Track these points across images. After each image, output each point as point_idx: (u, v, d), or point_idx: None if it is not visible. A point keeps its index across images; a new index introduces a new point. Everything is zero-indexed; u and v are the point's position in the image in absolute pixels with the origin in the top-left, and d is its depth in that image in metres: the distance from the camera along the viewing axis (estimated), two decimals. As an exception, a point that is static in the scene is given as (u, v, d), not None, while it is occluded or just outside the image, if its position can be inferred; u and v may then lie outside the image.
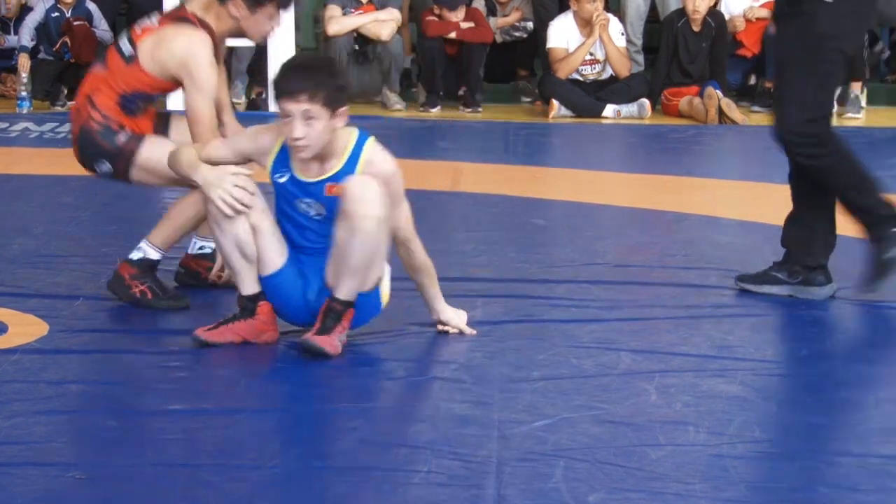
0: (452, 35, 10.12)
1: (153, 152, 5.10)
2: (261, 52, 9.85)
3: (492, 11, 10.68)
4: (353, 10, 10.13)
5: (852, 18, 5.13)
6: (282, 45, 9.79)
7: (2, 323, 4.86)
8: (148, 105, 5.21)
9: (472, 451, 3.75)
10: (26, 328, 4.81)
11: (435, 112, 10.12)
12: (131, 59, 5.09)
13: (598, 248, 6.24)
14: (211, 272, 5.36)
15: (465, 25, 10.09)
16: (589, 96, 9.96)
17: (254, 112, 9.83)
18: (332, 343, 4.43)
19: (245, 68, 10.27)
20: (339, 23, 10.11)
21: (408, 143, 8.91)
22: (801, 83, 5.15)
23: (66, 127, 9.03)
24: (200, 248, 5.48)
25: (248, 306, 4.64)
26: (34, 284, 5.31)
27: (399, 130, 9.37)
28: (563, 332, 4.87)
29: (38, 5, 10.15)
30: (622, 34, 10.16)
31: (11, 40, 10.10)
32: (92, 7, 10.09)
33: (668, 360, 4.60)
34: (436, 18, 10.13)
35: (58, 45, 9.88)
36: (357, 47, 10.25)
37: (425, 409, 4.14)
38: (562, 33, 10.02)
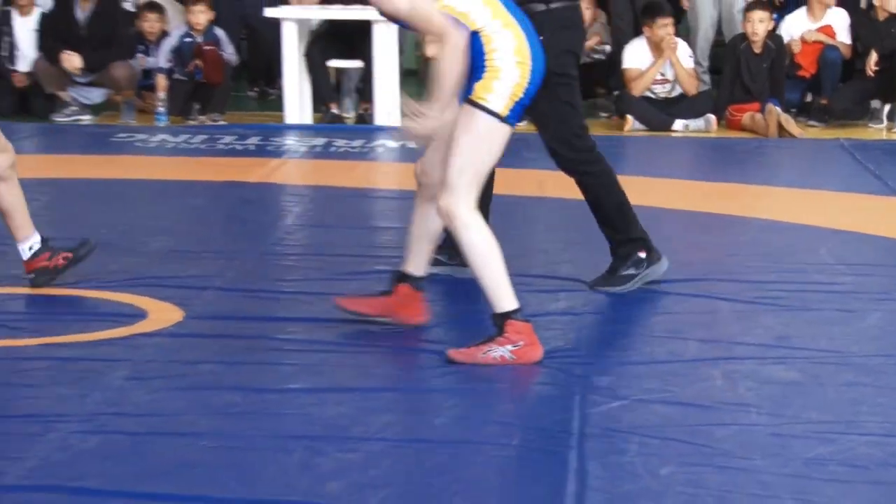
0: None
1: None
2: (367, 72, 9.87)
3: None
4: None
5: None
6: (386, 67, 9.80)
7: (143, 310, 4.91)
8: None
9: (556, 427, 3.75)
10: (164, 314, 4.85)
11: (521, 125, 10.06)
12: None
13: (667, 247, 6.17)
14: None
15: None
16: (660, 112, 9.91)
17: (362, 126, 9.85)
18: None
19: (354, 87, 10.30)
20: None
21: (498, 153, 8.89)
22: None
23: (198, 138, 9.14)
24: (30, 248, 5.19)
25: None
26: (171, 276, 5.35)
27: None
28: (637, 323, 4.86)
29: (175, 32, 10.24)
30: (690, 56, 10.11)
31: (151, 62, 10.19)
32: (220, 33, 10.15)
33: (732, 349, 4.57)
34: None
35: (190, 67, 9.95)
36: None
37: (514, 389, 4.13)
38: (636, 55, 9.98)
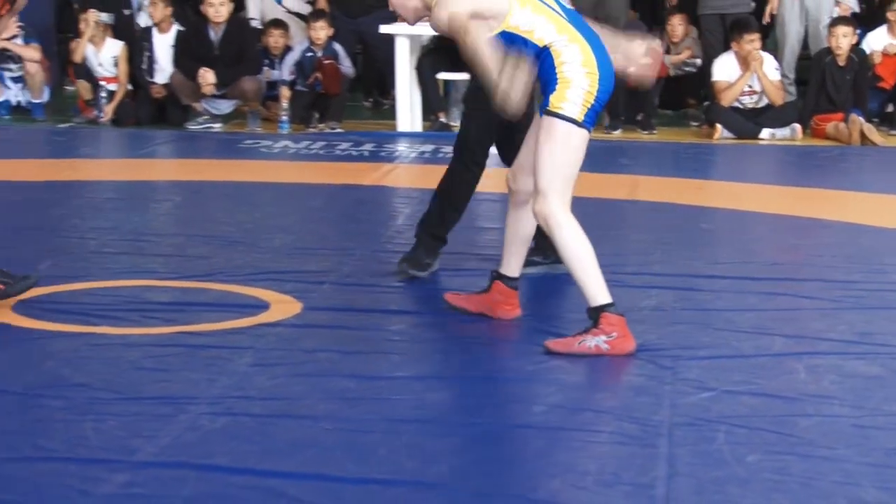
0: (630, 70, 9.99)
1: None
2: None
3: (666, 50, 10.58)
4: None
5: None
6: (492, 79, 9.80)
7: (265, 301, 4.94)
8: None
9: (647, 416, 3.72)
10: (284, 306, 4.87)
11: (616, 134, 10.04)
12: None
13: (754, 248, 6.15)
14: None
15: (642, 62, 9.97)
16: (748, 121, 9.82)
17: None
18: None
19: (460, 97, 10.29)
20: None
21: (594, 159, 8.75)
22: None
23: (317, 145, 9.21)
24: None
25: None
26: (291, 271, 5.38)
27: (589, 150, 9.30)
28: (725, 319, 4.79)
29: (297, 47, 10.33)
30: (777, 69, 10.00)
31: (276, 75, 10.28)
32: (338, 48, 10.21)
33: (816, 344, 4.50)
34: (618, 57, 10.03)
35: (311, 79, 10.03)
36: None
37: (608, 380, 4.10)
38: (725, 68, 9.90)
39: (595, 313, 4.28)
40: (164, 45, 10.18)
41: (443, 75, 10.14)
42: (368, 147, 9.11)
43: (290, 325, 4.64)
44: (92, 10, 10.32)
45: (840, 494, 3.18)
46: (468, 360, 4.34)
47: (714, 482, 3.24)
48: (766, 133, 9.80)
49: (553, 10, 4.26)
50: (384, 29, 9.99)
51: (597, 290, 4.27)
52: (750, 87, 9.86)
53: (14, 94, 10.44)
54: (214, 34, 9.98)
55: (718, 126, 9.84)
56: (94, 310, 4.76)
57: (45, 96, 10.54)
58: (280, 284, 5.18)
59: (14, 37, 9.81)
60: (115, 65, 10.29)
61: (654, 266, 5.63)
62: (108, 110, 10.11)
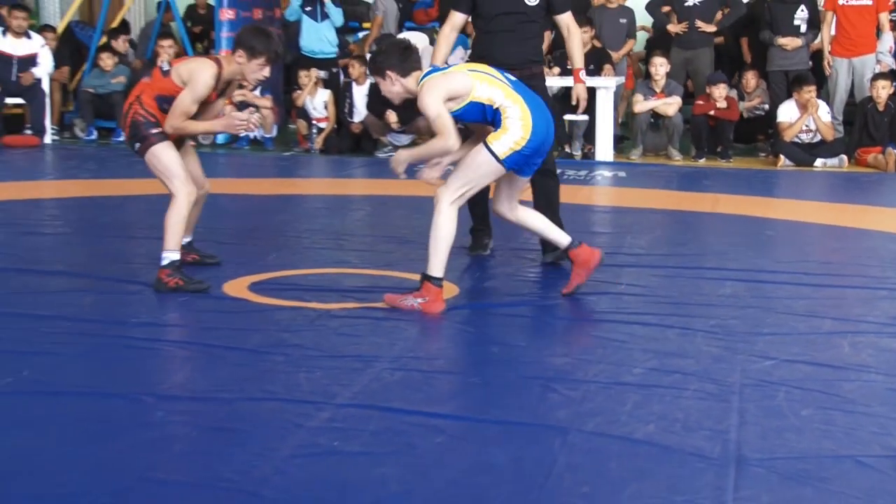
0: (712, 112, 9.89)
1: (163, 151, 4.80)
2: (591, 123, 9.81)
3: (741, 97, 10.38)
4: (651, 96, 9.98)
5: None
6: (604, 119, 9.72)
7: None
8: (170, 107, 4.80)
9: (723, 378, 3.66)
10: (445, 289, 4.86)
11: (701, 162, 9.88)
12: (166, 74, 4.80)
13: (808, 250, 5.99)
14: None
15: (721, 106, 9.86)
16: (805, 153, 9.59)
17: (587, 161, 9.79)
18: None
19: (582, 133, 10.23)
20: (642, 104, 9.98)
21: (683, 181, 8.75)
22: None
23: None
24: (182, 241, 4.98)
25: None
26: (452, 264, 5.40)
27: (678, 174, 9.21)
28: (784, 305, 4.68)
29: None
30: (828, 113, 9.76)
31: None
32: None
33: (857, 325, 4.36)
34: (702, 102, 9.93)
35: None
36: (653, 119, 10.10)
37: (692, 349, 4.03)
38: (787, 112, 9.67)
39: (422, 279, 4.45)
40: (360, 94, 10.31)
41: (568, 116, 10.09)
42: (511, 171, 9.10)
43: (450, 306, 4.64)
44: (313, 68, 10.52)
45: (875, 442, 3.10)
46: (581, 331, 4.30)
47: (775, 430, 3.17)
48: (819, 162, 9.58)
49: (501, 81, 4.45)
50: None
51: (435, 265, 4.44)
52: (807, 126, 9.64)
53: (253, 131, 10.66)
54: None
55: (781, 156, 9.66)
56: (306, 290, 4.85)
57: (274, 132, 10.76)
58: (446, 274, 5.19)
59: (254, 89, 10.04)
60: (325, 108, 10.46)
61: (730, 263, 5.52)
62: (319, 142, 10.28)
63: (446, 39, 5.54)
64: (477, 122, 4.48)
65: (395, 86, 4.50)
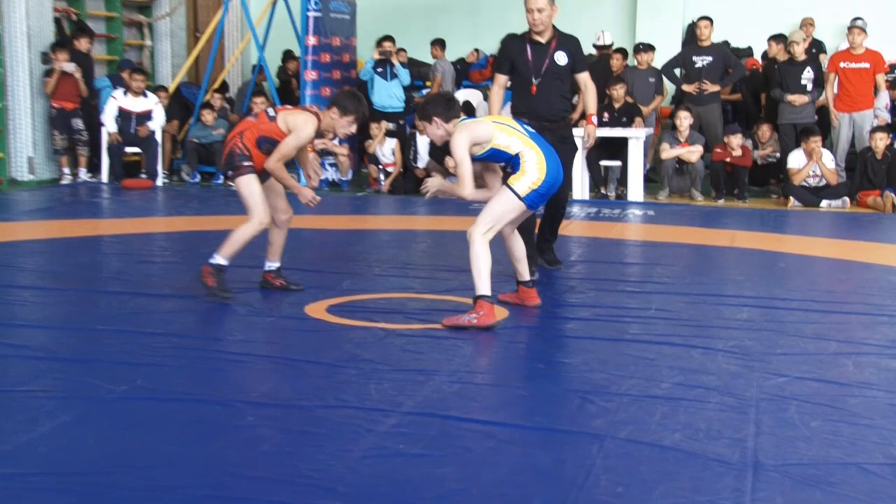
0: (728, 160, 9.80)
1: (250, 182, 4.96)
2: (624, 168, 9.74)
3: (756, 146, 10.27)
4: (676, 145, 9.90)
5: None
6: (635, 164, 9.65)
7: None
8: (270, 148, 4.98)
9: (741, 392, 3.59)
10: (498, 311, 4.85)
11: (720, 202, 9.76)
12: (273, 119, 4.98)
13: (816, 280, 5.87)
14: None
15: (736, 154, 9.76)
16: (812, 195, 9.45)
17: (620, 201, 9.72)
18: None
19: (616, 176, 10.16)
20: (668, 152, 9.90)
21: (704, 219, 8.64)
22: None
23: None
24: (269, 267, 5.28)
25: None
26: (502, 290, 5.37)
27: (700, 213, 9.10)
28: (795, 327, 4.59)
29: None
30: (832, 160, 9.60)
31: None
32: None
33: (861, 347, 4.27)
34: (720, 151, 9.85)
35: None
36: (677, 165, 10.00)
37: (714, 367, 3.96)
38: (796, 159, 9.54)
39: (475, 300, 4.51)
40: (423, 143, 10.35)
41: (604, 162, 10.05)
42: (553, 209, 9.06)
43: (501, 326, 4.62)
44: (383, 120, 10.59)
45: (878, 451, 3.02)
46: (616, 351, 4.24)
47: (787, 439, 3.10)
48: (824, 203, 9.43)
49: (518, 130, 4.63)
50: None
51: (482, 286, 4.50)
52: (814, 172, 9.51)
53: (330, 174, 10.75)
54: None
55: (791, 198, 9.53)
56: (375, 312, 4.85)
57: (349, 175, 10.81)
58: (495, 299, 5.16)
59: (332, 138, 10.12)
60: (393, 154, 10.50)
61: (746, 291, 5.43)
62: (387, 184, 10.32)
63: (496, 96, 5.98)
64: (498, 163, 4.69)
65: (439, 129, 4.68)
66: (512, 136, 4.58)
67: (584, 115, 6.37)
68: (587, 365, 3.99)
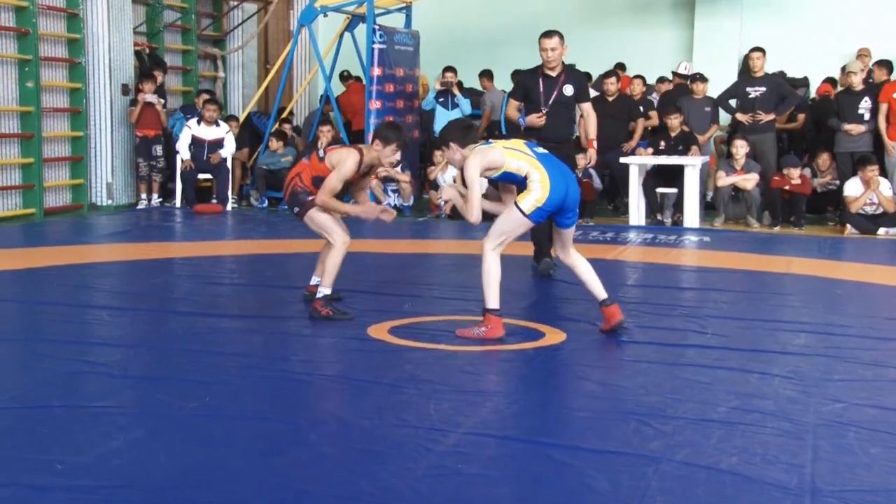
0: (787, 188, 9.63)
1: (317, 213, 5.19)
2: (680, 195, 9.63)
3: (814, 174, 10.09)
4: (732, 173, 9.76)
5: None
6: (691, 192, 9.53)
7: (542, 331, 4.91)
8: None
9: (798, 418, 3.50)
10: (555, 335, 4.84)
11: (776, 229, 9.59)
12: (322, 159, 5.21)
13: (873, 306, 5.72)
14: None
15: (795, 182, 9.60)
16: (869, 222, 9.24)
17: (676, 227, 9.60)
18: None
19: (672, 203, 10.05)
20: (724, 179, 9.77)
21: (760, 246, 8.49)
22: None
23: (577, 232, 9.13)
24: (315, 280, 5.48)
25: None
26: (560, 313, 5.33)
27: (756, 239, 8.96)
28: (852, 354, 4.47)
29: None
30: (889, 188, 9.38)
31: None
32: (592, 170, 10.15)
33: (920, 374, 4.14)
34: (778, 179, 9.69)
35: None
36: (733, 192, 9.86)
37: (770, 392, 3.87)
38: (853, 187, 9.34)
39: (483, 313, 4.68)
40: (451, 173, 10.34)
41: (660, 189, 9.96)
42: (610, 234, 8.99)
43: (558, 348, 4.60)
44: (443, 148, 10.60)
45: (939, 480, 2.91)
46: (671, 375, 4.17)
47: (846, 466, 3.02)
48: (881, 231, 9.20)
49: (527, 153, 4.75)
50: (623, 160, 9.91)
51: (490, 299, 4.68)
52: (870, 200, 9.30)
53: (393, 199, 10.81)
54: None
55: (848, 225, 9.32)
56: (436, 333, 4.84)
57: (411, 201, 10.86)
58: (551, 321, 5.14)
59: (395, 166, 10.17)
60: (454, 181, 10.50)
61: (803, 317, 5.31)
62: (447, 209, 10.32)
63: (510, 117, 6.90)
64: (512, 183, 4.84)
65: (456, 154, 4.84)
66: (521, 160, 4.74)
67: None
68: (643, 388, 3.93)
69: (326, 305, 5.15)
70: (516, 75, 6.98)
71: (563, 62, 6.75)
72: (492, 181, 4.90)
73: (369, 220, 5.34)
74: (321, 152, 5.28)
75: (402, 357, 4.39)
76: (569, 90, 6.70)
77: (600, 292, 4.95)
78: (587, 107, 6.86)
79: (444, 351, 4.48)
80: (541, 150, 4.91)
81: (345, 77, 12.48)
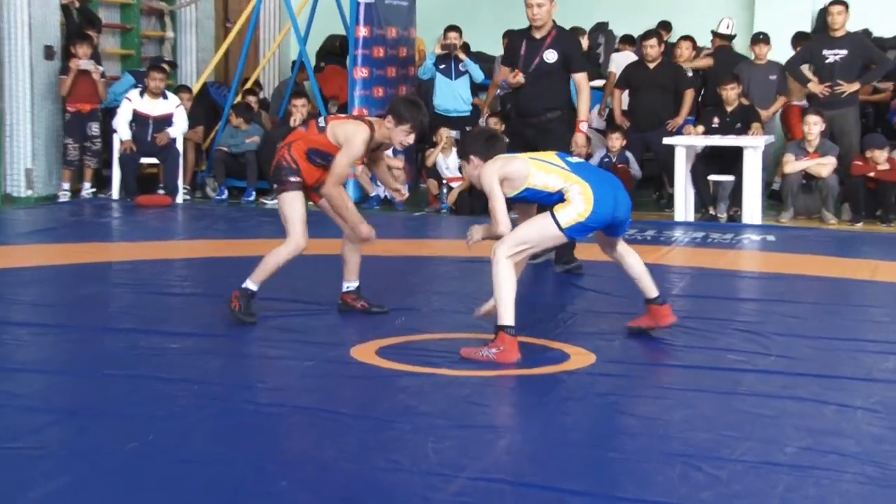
0: (872, 174, 9.63)
1: (292, 201, 5.31)
2: (738, 184, 9.64)
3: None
4: (803, 156, 9.77)
5: None
6: (753, 181, 9.54)
7: (567, 353, 4.91)
8: (320, 161, 5.35)
9: (887, 461, 3.51)
10: (582, 357, 4.84)
11: (858, 226, 9.60)
12: (322, 130, 5.33)
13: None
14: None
15: (882, 167, 9.59)
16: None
17: (732, 224, 9.61)
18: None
19: (728, 194, 10.06)
20: (792, 165, 9.78)
21: (838, 246, 8.49)
22: None
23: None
24: (347, 287, 5.67)
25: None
26: (588, 330, 5.33)
27: (832, 238, 8.95)
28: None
29: (597, 153, 10.31)
30: None
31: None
32: (629, 155, 10.17)
33: None
34: (860, 164, 9.68)
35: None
36: (805, 181, 9.87)
37: (851, 428, 3.87)
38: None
39: (497, 329, 4.70)
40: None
41: (713, 177, 9.96)
42: (651, 233, 8.99)
43: (586, 373, 4.60)
44: (443, 128, 10.63)
45: None
46: (727, 406, 4.16)
47: (944, 520, 3.00)
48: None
49: (558, 166, 4.85)
50: (667, 141, 9.91)
51: (504, 315, 4.69)
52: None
53: (382, 190, 10.80)
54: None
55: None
56: (434, 355, 4.84)
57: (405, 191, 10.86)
58: (578, 340, 5.14)
59: (386, 149, 10.17)
60: (459, 169, 10.51)
61: (892, 335, 5.32)
62: (451, 198, 10.31)
63: (495, 87, 7.31)
64: (539, 203, 4.96)
65: (475, 170, 4.94)
66: (551, 173, 4.83)
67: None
68: (691, 423, 3.92)
69: (241, 299, 5.36)
70: (506, 36, 7.23)
71: (553, 22, 6.91)
72: (512, 200, 4.96)
73: (360, 237, 5.49)
74: (321, 121, 5.43)
75: (394, 384, 4.39)
76: (551, 56, 6.87)
77: (651, 290, 5.12)
78: (580, 78, 6.98)
79: (445, 377, 4.48)
80: (575, 159, 5.03)
81: (321, 64, 12.51)
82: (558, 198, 4.81)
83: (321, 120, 5.45)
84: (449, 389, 4.31)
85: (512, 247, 4.77)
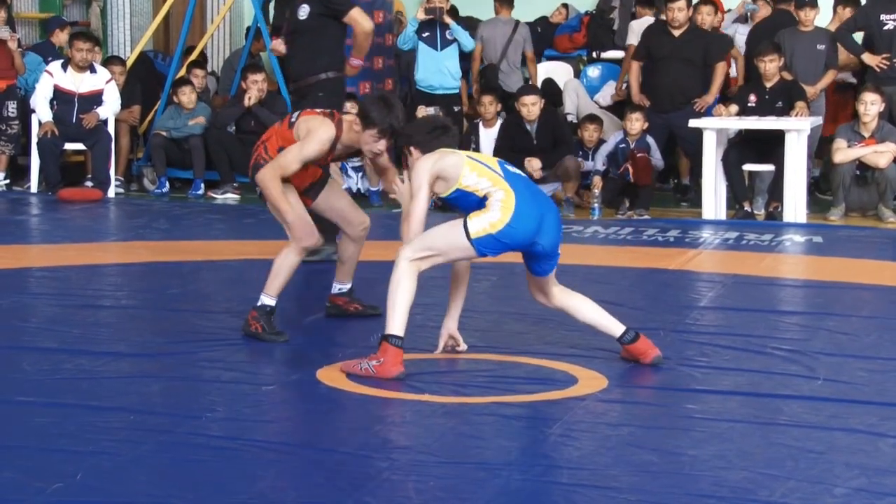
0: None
1: (289, 195, 5.48)
2: (778, 175, 9.68)
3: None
4: (857, 143, 9.81)
5: None
6: (796, 171, 9.57)
7: (574, 376, 4.94)
8: None
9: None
10: (592, 381, 4.86)
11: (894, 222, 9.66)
12: (292, 125, 5.51)
13: None
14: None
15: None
16: None
17: (772, 222, 9.65)
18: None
19: (766, 187, 10.11)
20: (844, 153, 9.82)
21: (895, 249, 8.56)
22: None
23: (625, 231, 9.18)
24: (339, 289, 5.94)
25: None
26: (598, 348, 5.35)
27: (890, 240, 8.98)
28: None
29: (611, 138, 10.37)
30: None
31: (589, 165, 10.34)
32: (650, 140, 10.20)
33: None
34: (926, 150, 9.76)
35: (622, 168, 10.02)
36: (858, 171, 9.91)
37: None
38: None
39: (381, 338, 4.85)
40: (488, 138, 10.44)
41: (748, 166, 9.99)
42: (674, 233, 9.04)
43: (597, 400, 4.63)
44: (422, 106, 10.65)
45: None
46: (767, 439, 4.20)
47: None
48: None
49: (492, 169, 4.99)
50: (693, 123, 9.93)
51: (393, 323, 4.83)
52: None
53: (354, 182, 10.83)
54: (530, 127, 10.15)
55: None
56: (417, 378, 4.86)
57: (380, 185, 10.88)
58: (588, 360, 5.17)
59: (379, 157, 10.20)
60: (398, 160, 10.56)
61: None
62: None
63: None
64: (463, 208, 5.01)
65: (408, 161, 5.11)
66: (483, 175, 4.95)
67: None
68: (723, 459, 3.95)
69: (261, 319, 5.42)
70: None
71: None
72: (445, 201, 5.11)
73: (300, 241, 5.50)
74: (294, 115, 5.60)
75: (370, 413, 4.41)
76: (302, 12, 7.36)
77: (614, 329, 5.13)
78: (354, 14, 7.46)
79: (430, 404, 4.50)
80: (514, 170, 5.13)
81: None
82: (483, 200, 4.91)
83: (294, 115, 5.60)
84: (434, 419, 4.33)
85: (417, 251, 4.91)
